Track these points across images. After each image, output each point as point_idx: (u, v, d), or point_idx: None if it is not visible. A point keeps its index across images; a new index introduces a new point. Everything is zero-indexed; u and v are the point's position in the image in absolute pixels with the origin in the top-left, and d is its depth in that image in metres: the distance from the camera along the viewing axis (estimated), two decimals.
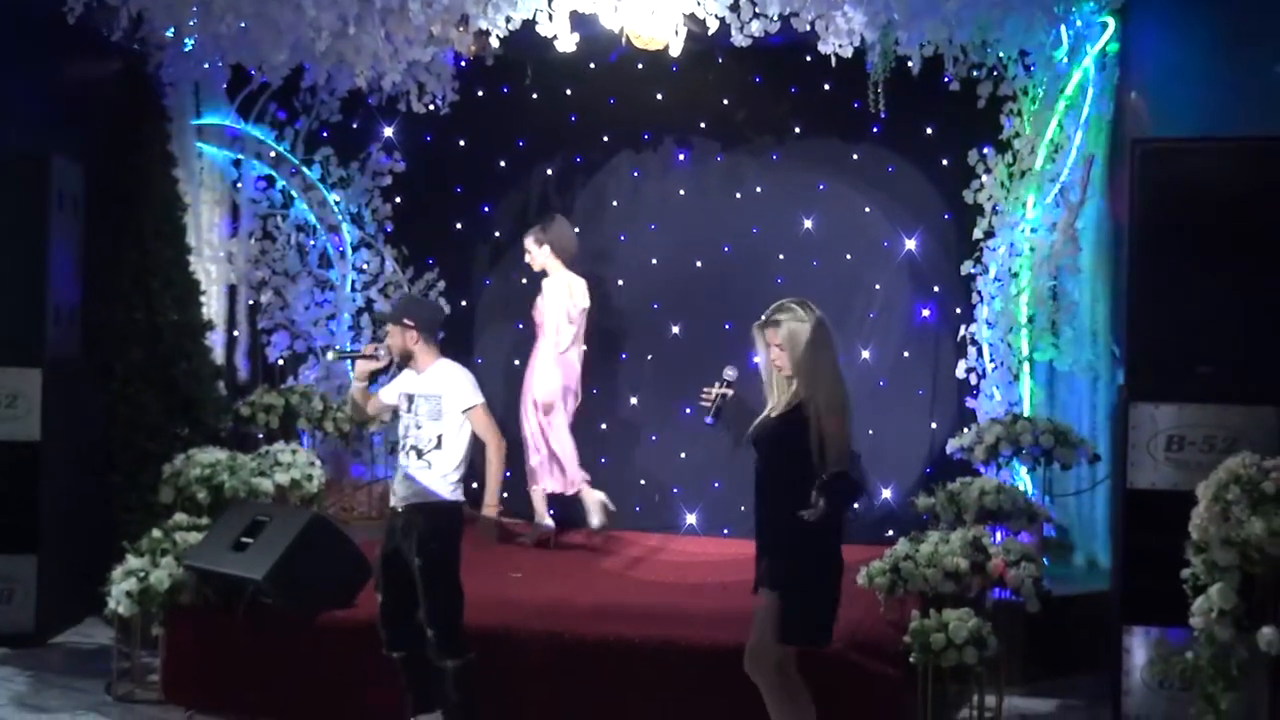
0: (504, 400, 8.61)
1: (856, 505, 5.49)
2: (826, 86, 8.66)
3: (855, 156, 8.88)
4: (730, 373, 5.30)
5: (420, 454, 5.74)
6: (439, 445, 5.72)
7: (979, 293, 8.22)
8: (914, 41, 7.32)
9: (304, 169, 9.45)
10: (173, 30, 7.97)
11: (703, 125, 9.19)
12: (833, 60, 7.34)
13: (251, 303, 9.49)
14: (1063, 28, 7.66)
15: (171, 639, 6.50)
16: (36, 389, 7.43)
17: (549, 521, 8.39)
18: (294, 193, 9.48)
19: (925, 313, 8.77)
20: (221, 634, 6.34)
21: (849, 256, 8.88)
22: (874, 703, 5.77)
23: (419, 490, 5.72)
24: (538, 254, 8.49)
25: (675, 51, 7.33)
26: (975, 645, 5.70)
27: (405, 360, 5.84)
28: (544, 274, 8.54)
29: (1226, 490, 5.16)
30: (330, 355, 5.74)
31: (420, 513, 5.69)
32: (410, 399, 5.80)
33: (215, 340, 8.99)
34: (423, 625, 5.64)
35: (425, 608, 5.64)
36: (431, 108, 8.65)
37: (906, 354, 8.77)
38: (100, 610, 6.71)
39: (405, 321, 5.77)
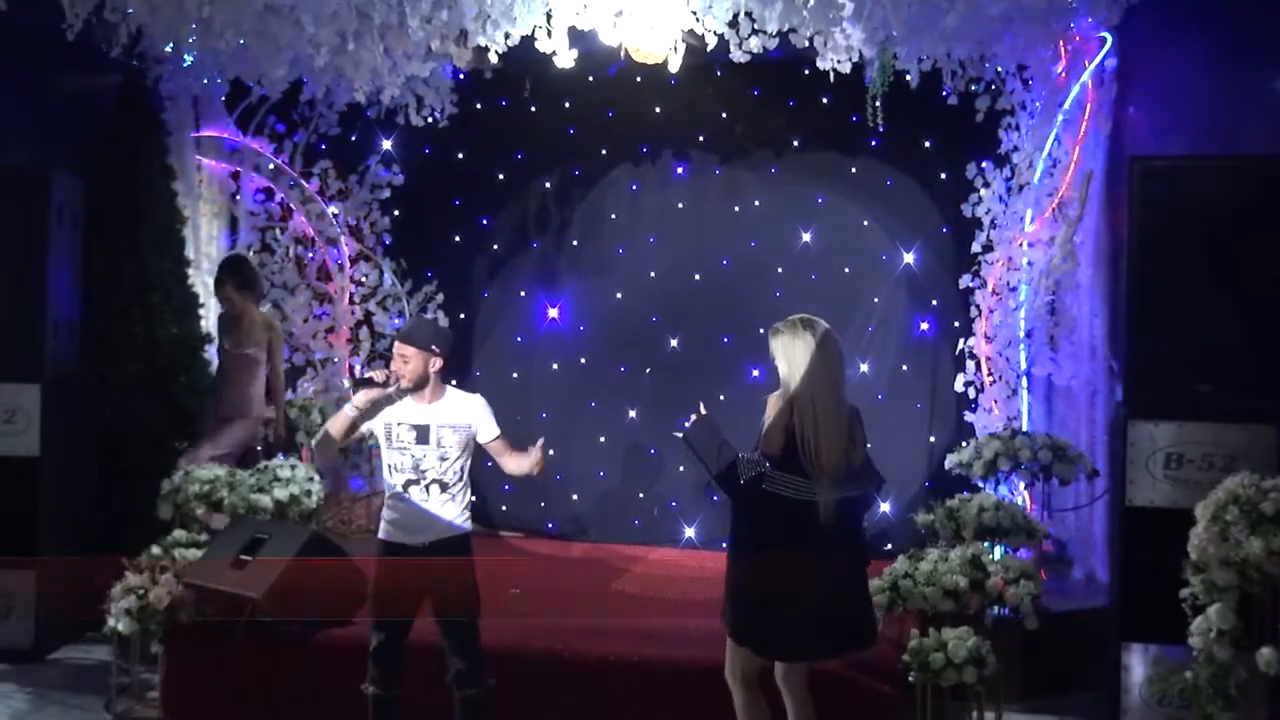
0: (505, 414, 8.59)
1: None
2: (825, 100, 8.70)
3: (854, 170, 8.90)
4: None
5: (445, 488, 5.49)
6: (462, 477, 5.55)
7: (977, 306, 8.23)
8: (912, 56, 7.32)
9: (302, 182, 9.45)
10: (172, 46, 7.98)
11: (701, 138, 9.21)
12: (831, 75, 7.35)
13: None
14: (1061, 43, 7.67)
15: (171, 656, 6.50)
16: (35, 404, 7.41)
17: None
18: (293, 205, 9.48)
19: (924, 326, 8.79)
20: (221, 651, 6.32)
21: (847, 270, 8.90)
22: None
23: (447, 526, 5.51)
24: (235, 297, 8.28)
25: (674, 67, 7.34)
26: (974, 664, 5.70)
27: (418, 388, 5.51)
28: (239, 315, 8.30)
29: (1225, 510, 5.16)
30: (347, 383, 5.50)
31: (452, 549, 5.52)
32: (424, 430, 5.49)
33: (214, 354, 8.97)
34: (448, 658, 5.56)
35: (458, 641, 5.53)
36: (430, 120, 8.66)
37: (905, 367, 8.79)
38: (99, 626, 6.71)
39: (433, 348, 5.50)
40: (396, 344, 5.56)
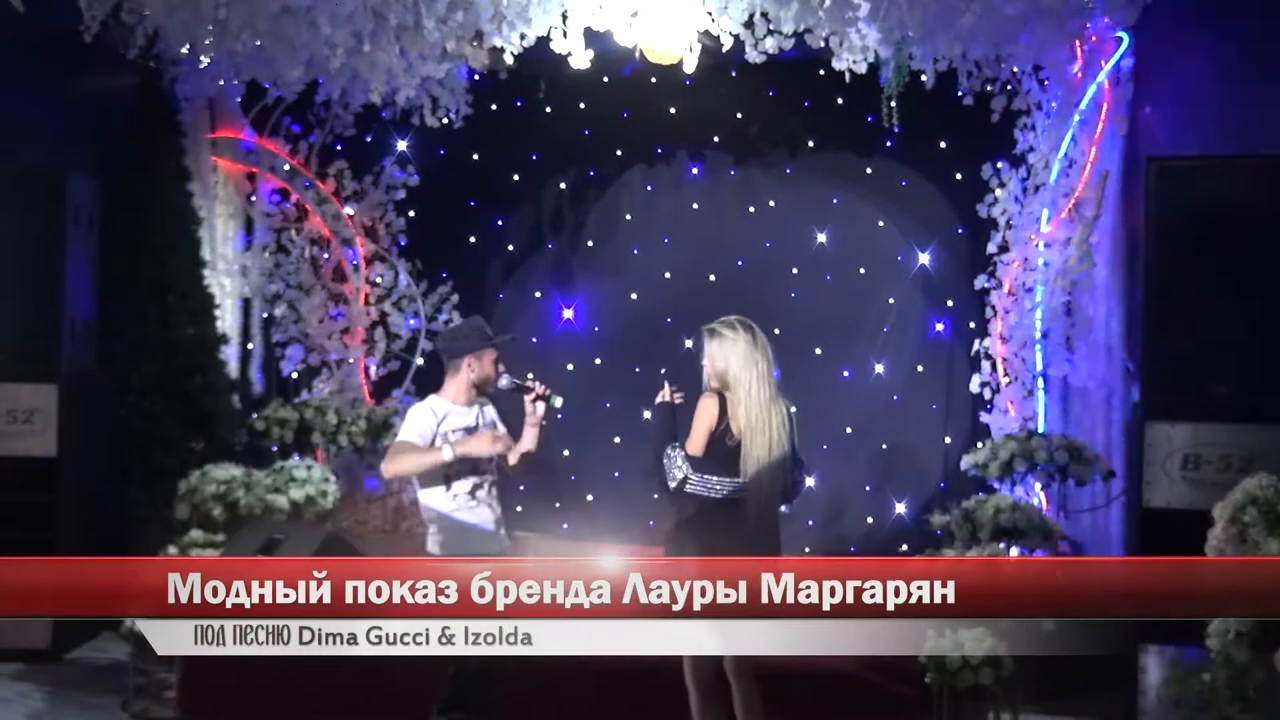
0: (519, 416, 8.60)
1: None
2: (840, 100, 8.67)
3: (869, 170, 8.88)
4: None
5: (496, 486, 5.63)
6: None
7: (993, 307, 8.22)
8: (928, 56, 7.31)
9: (318, 182, 9.46)
10: (188, 47, 7.98)
11: (716, 139, 9.20)
12: (846, 75, 7.34)
13: (266, 316, 9.50)
14: (1077, 43, 7.66)
15: (188, 656, 6.49)
16: (53, 404, 7.46)
17: None
18: (308, 206, 9.49)
19: (939, 327, 8.77)
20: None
21: (862, 270, 8.89)
22: None
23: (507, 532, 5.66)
24: None
25: (689, 68, 7.34)
26: (991, 665, 5.69)
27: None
28: None
29: (1243, 512, 5.16)
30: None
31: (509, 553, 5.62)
32: (474, 431, 5.62)
33: (230, 354, 9.00)
34: None
35: None
36: (445, 121, 8.65)
37: (920, 368, 8.78)
38: (117, 626, 6.73)
39: None
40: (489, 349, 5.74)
